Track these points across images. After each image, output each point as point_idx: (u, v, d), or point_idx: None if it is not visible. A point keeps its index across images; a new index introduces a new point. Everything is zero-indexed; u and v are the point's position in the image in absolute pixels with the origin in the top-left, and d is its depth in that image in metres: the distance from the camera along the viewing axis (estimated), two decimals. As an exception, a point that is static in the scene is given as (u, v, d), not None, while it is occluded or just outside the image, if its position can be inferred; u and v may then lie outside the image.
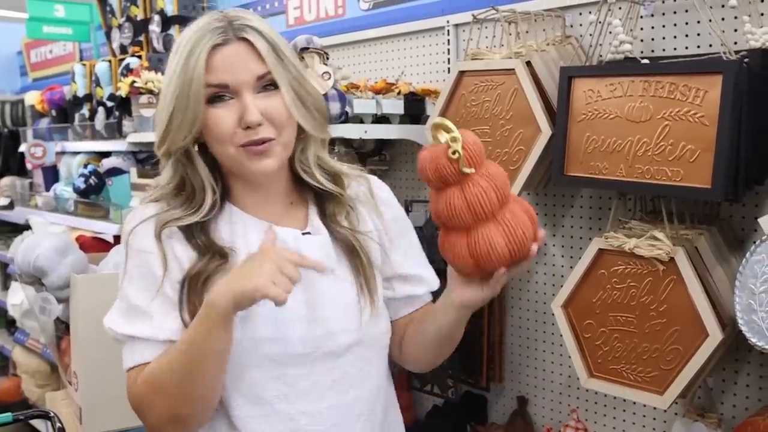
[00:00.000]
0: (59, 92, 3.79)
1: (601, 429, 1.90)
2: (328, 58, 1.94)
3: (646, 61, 1.57)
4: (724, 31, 1.55)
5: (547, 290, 1.98)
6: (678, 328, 1.47)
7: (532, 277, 2.01)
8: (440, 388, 2.06)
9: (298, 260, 0.96)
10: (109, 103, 2.96)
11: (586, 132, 1.58)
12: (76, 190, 3.06)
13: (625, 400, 1.80)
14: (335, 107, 1.90)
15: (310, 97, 1.07)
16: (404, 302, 1.19)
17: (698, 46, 1.63)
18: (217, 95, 1.02)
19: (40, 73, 5.05)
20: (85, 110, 3.32)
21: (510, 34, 1.80)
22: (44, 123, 4.01)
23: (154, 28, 3.04)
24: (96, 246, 2.69)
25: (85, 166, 3.12)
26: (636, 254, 1.51)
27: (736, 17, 1.54)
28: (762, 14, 1.52)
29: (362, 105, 2.01)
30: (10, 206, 4.04)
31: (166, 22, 2.97)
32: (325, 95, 1.89)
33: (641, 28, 1.71)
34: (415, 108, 2.11)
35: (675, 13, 1.67)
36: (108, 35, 3.55)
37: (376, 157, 2.26)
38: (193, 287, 1.03)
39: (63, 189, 3.37)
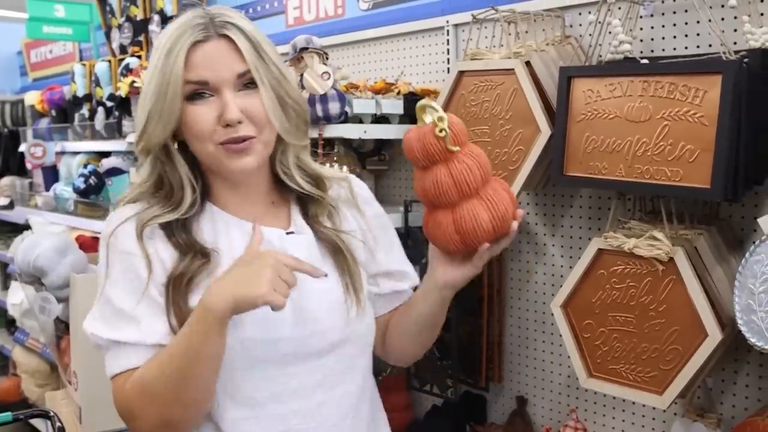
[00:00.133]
0: (59, 92, 3.79)
1: (600, 429, 1.90)
2: (327, 58, 1.94)
3: (645, 61, 1.57)
4: (723, 31, 1.55)
5: (546, 290, 1.98)
6: (677, 328, 1.47)
7: (532, 277, 2.01)
8: (439, 388, 2.06)
9: (295, 265, 0.96)
10: (109, 103, 2.97)
11: (585, 132, 1.58)
12: (76, 190, 3.06)
13: (624, 400, 1.80)
14: (335, 107, 1.90)
15: (291, 101, 1.05)
16: (389, 298, 1.21)
17: (698, 46, 1.63)
18: (197, 92, 1.01)
19: (40, 73, 5.05)
20: (85, 110, 3.32)
21: (509, 34, 1.80)
22: (44, 123, 4.02)
23: (154, 28, 3.04)
24: (96, 246, 2.69)
25: (85, 166, 3.13)
26: (635, 254, 1.51)
27: (735, 17, 1.54)
28: (762, 14, 1.52)
29: (362, 105, 2.01)
30: (10, 206, 4.04)
31: (166, 21, 2.97)
32: (325, 95, 1.89)
33: (641, 28, 1.71)
34: (414, 108, 2.11)
35: (674, 13, 1.67)
36: (108, 35, 3.56)
37: (375, 157, 2.26)
38: (177, 288, 1.01)
39: (63, 189, 3.37)
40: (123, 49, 3.29)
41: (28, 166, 3.92)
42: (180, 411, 0.98)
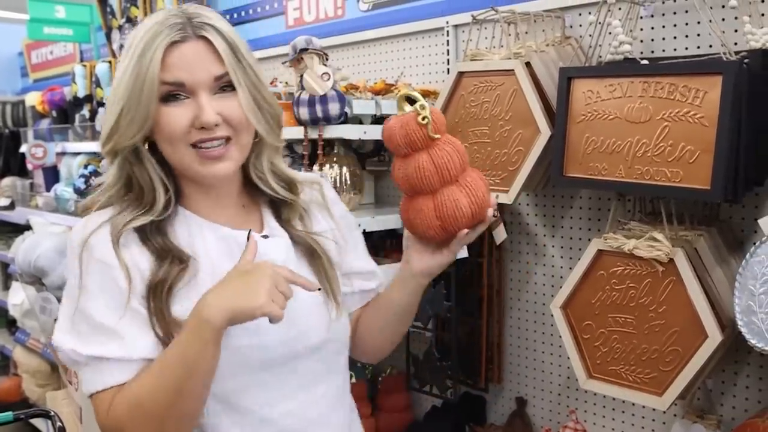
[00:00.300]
0: (60, 93, 3.80)
1: (599, 430, 1.90)
2: (327, 59, 1.94)
3: (645, 61, 1.56)
4: (724, 32, 1.54)
5: (546, 291, 1.98)
6: (677, 329, 1.46)
7: (531, 278, 2.01)
8: (439, 389, 2.06)
9: (290, 277, 0.96)
10: (110, 104, 2.96)
11: (585, 133, 1.58)
12: (77, 190, 3.06)
13: (624, 402, 1.80)
14: (334, 108, 1.90)
15: (266, 104, 1.04)
16: (360, 296, 1.22)
17: (698, 47, 1.63)
18: (172, 94, 0.98)
19: (40, 74, 5.06)
20: (86, 111, 3.32)
21: (509, 35, 1.80)
22: (45, 124, 4.02)
23: (155, 28, 3.04)
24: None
25: (86, 167, 3.13)
26: (635, 255, 1.50)
27: (736, 18, 1.54)
28: (762, 15, 1.52)
29: (361, 106, 2.01)
30: (11, 206, 4.04)
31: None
32: (325, 96, 1.89)
33: (641, 29, 1.71)
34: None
35: (675, 13, 1.66)
36: (108, 36, 3.56)
37: (375, 157, 2.26)
38: (159, 296, 0.98)
39: (63, 189, 3.37)
40: (123, 50, 3.29)
41: (29, 166, 3.92)
42: (173, 425, 0.95)
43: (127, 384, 0.96)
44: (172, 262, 1.00)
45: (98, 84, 3.10)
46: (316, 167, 1.98)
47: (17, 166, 4.27)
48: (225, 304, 0.91)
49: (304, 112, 1.93)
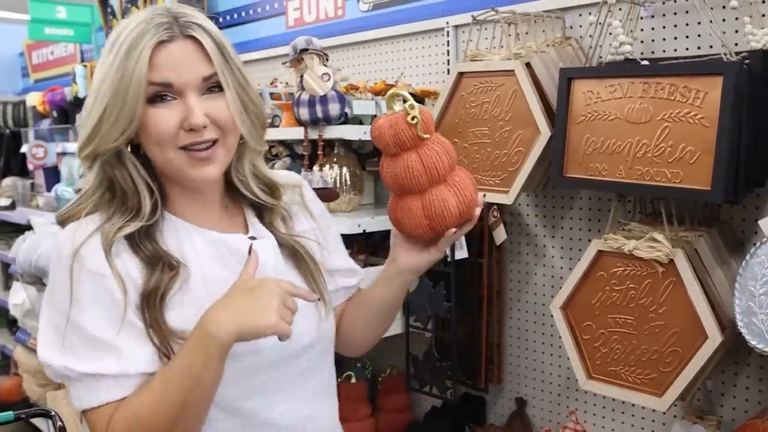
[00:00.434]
0: (60, 93, 3.80)
1: (599, 431, 1.89)
2: (327, 60, 1.94)
3: (646, 62, 1.56)
4: (724, 32, 1.54)
5: (546, 292, 1.98)
6: (677, 330, 1.46)
7: (531, 278, 2.01)
8: (439, 389, 2.06)
9: (293, 291, 0.96)
10: (110, 104, 2.97)
11: (585, 133, 1.58)
12: (77, 190, 3.07)
13: (623, 402, 1.80)
14: (335, 108, 1.90)
15: (252, 105, 1.02)
16: (342, 293, 1.23)
17: (699, 48, 1.63)
18: (159, 95, 0.95)
19: (41, 75, 5.06)
20: (86, 111, 3.32)
21: (509, 36, 1.80)
22: (45, 124, 4.03)
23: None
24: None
25: (86, 167, 3.13)
26: (635, 256, 1.50)
27: (736, 18, 1.53)
28: (763, 15, 1.52)
29: (362, 106, 2.01)
30: (12, 207, 4.05)
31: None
32: (325, 96, 1.89)
33: (641, 29, 1.70)
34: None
35: (675, 14, 1.66)
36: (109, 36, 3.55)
37: (375, 158, 2.26)
38: (152, 305, 0.95)
39: (64, 189, 3.38)
40: (124, 50, 3.29)
41: (30, 166, 3.93)
42: None
43: (126, 401, 0.94)
44: (162, 269, 0.97)
45: (99, 84, 3.10)
46: (316, 167, 1.98)
47: (18, 167, 4.28)
48: (234, 322, 0.89)
49: (304, 113, 1.93)
